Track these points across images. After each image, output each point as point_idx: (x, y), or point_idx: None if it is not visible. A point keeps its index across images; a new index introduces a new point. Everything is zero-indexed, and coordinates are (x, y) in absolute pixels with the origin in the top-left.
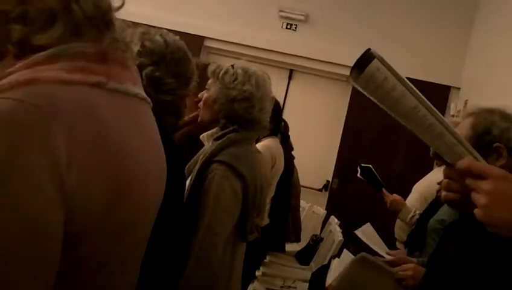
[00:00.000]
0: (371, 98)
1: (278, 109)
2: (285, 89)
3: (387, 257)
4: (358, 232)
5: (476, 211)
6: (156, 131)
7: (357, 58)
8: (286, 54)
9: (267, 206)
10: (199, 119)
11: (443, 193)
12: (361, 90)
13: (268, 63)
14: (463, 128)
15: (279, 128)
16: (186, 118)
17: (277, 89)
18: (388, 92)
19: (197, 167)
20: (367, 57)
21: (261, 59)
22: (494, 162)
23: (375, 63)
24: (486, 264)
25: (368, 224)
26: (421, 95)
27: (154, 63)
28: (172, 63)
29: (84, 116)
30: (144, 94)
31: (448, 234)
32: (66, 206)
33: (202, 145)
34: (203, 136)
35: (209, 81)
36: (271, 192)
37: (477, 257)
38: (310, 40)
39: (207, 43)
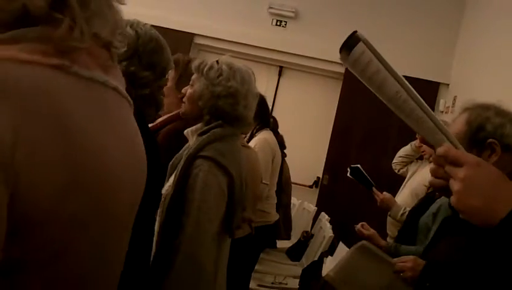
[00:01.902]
0: (360, 80)
1: (264, 103)
2: (275, 85)
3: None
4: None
5: (451, 197)
6: (130, 122)
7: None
8: (276, 50)
9: (274, 201)
10: (181, 112)
11: (430, 179)
12: (351, 71)
13: (258, 60)
14: (458, 123)
15: (268, 122)
16: (171, 114)
17: (267, 86)
18: (372, 76)
19: (181, 162)
20: (352, 40)
21: (251, 56)
22: (487, 158)
23: (360, 46)
24: (484, 259)
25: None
26: (404, 80)
27: (127, 58)
28: (146, 55)
29: (39, 95)
30: (113, 83)
31: (443, 228)
32: (11, 184)
33: (188, 141)
34: (187, 132)
35: (193, 77)
36: (274, 185)
37: (474, 251)
38: (299, 36)
39: (197, 40)
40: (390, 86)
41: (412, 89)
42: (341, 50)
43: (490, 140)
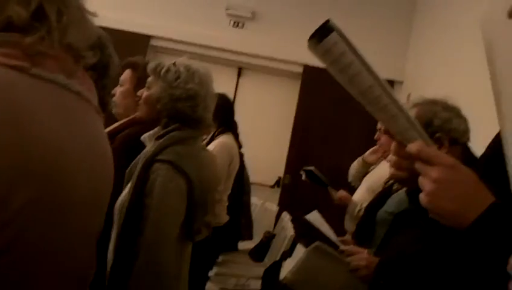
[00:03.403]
0: (328, 70)
1: (229, 106)
2: (235, 86)
3: (342, 247)
4: (308, 217)
5: (421, 196)
6: (91, 124)
7: (303, 55)
8: (234, 51)
9: (225, 204)
10: (137, 115)
11: (391, 170)
12: (319, 59)
13: (217, 61)
14: None
15: (231, 125)
16: (128, 119)
17: (226, 87)
18: (344, 68)
19: (138, 167)
20: (325, 29)
21: (209, 57)
22: None
23: (333, 36)
24: (437, 253)
25: (315, 211)
26: (378, 75)
27: None
28: None
29: None
30: (76, 88)
31: (397, 223)
32: None
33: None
34: (145, 137)
35: (149, 79)
36: (228, 189)
37: (428, 245)
38: (257, 37)
39: (153, 42)
40: (363, 80)
41: (386, 84)
42: (311, 38)
43: (438, 134)
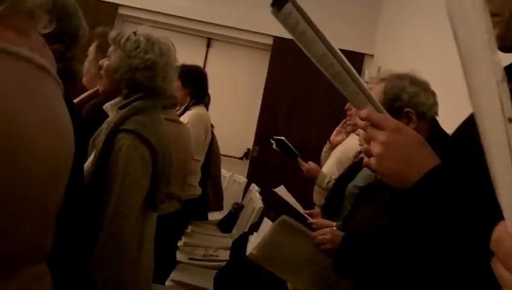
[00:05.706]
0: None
1: (202, 79)
2: (204, 57)
3: (310, 220)
4: (277, 190)
5: (371, 159)
6: (55, 102)
7: (273, 27)
8: (204, 22)
9: (198, 176)
10: (100, 89)
11: (364, 146)
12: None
13: (186, 31)
14: (375, 94)
15: (203, 99)
16: (93, 90)
17: (195, 58)
18: (300, 36)
19: (101, 137)
20: (280, 1)
21: (178, 27)
22: None
23: (288, 7)
24: (398, 226)
25: (282, 186)
26: (330, 43)
27: None
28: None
29: None
30: (41, 61)
31: (362, 197)
32: None
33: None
34: (107, 106)
35: (110, 49)
36: (202, 160)
37: (389, 219)
38: (227, 7)
39: (121, 11)
40: (317, 48)
41: (338, 52)
42: (272, 6)
43: (406, 109)
